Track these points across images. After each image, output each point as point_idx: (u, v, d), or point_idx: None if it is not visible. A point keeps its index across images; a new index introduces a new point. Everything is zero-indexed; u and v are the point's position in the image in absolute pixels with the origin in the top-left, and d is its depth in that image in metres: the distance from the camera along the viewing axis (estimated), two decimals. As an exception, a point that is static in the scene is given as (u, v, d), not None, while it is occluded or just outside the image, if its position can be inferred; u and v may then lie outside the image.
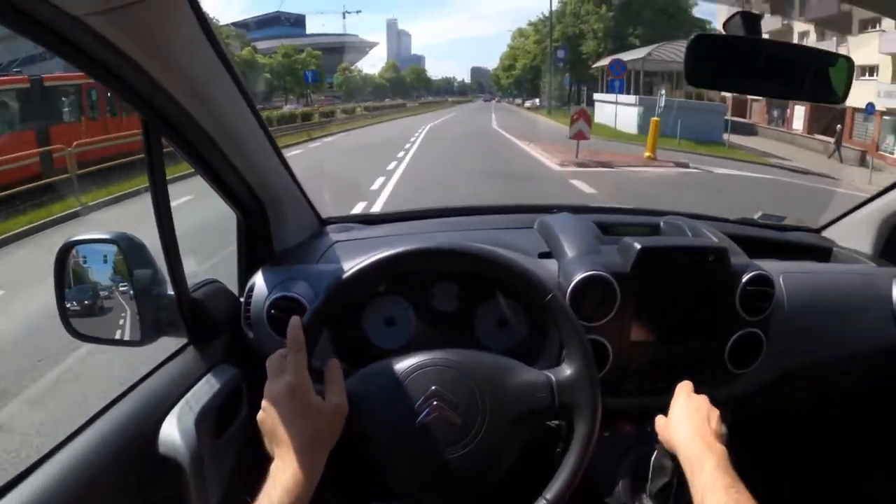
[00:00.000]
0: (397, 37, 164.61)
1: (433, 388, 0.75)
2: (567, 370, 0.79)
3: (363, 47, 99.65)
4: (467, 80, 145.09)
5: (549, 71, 40.69)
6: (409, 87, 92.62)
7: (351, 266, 0.81)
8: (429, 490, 0.77)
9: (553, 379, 0.79)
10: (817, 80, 0.94)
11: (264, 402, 0.72)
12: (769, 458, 1.35)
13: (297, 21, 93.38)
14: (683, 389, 0.90)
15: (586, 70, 37.89)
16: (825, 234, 1.56)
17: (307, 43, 64.99)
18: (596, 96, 28.10)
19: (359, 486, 0.79)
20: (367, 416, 0.75)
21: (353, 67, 68.37)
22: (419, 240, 0.87)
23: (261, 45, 57.27)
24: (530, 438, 0.79)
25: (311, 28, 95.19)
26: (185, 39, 0.73)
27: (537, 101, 48.52)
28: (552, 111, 36.17)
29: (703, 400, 0.86)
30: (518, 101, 62.21)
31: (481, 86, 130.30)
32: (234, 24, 71.46)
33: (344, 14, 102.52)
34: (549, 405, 0.78)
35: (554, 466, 0.78)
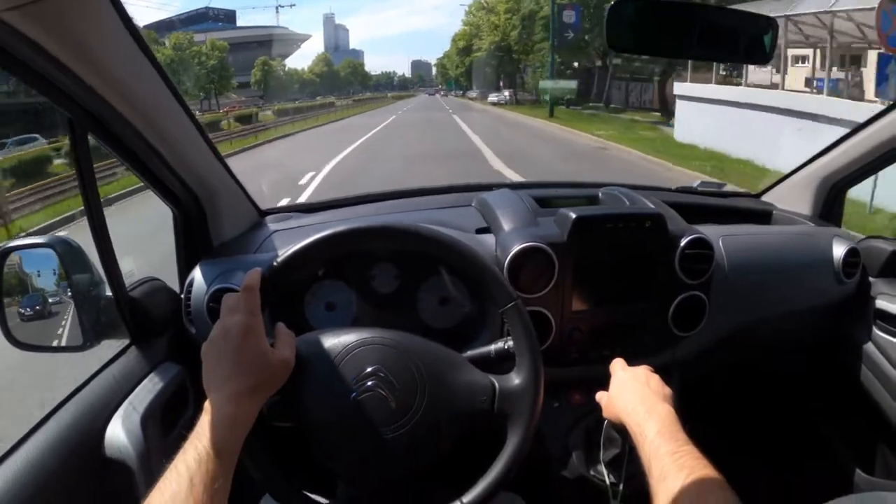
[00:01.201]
0: (334, 31, 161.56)
1: (374, 366, 0.75)
2: (515, 380, 0.79)
3: (294, 41, 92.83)
4: (408, 74, 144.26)
5: (551, 46, 26.53)
6: (343, 82, 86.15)
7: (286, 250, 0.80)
8: (354, 466, 0.76)
9: (497, 386, 0.78)
10: (752, 45, 0.96)
11: (213, 334, 0.68)
12: (718, 418, 1.39)
13: (228, 17, 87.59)
14: (617, 364, 0.90)
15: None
16: (765, 198, 1.60)
17: (229, 37, 59.23)
18: (682, 88, 14.93)
19: (294, 459, 0.78)
20: (308, 379, 0.74)
21: (272, 62, 58.90)
22: (363, 221, 0.86)
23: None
24: (467, 433, 0.78)
25: (242, 24, 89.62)
26: (106, 33, 0.72)
27: (506, 94, 39.24)
28: (554, 111, 24.24)
29: (639, 368, 0.87)
30: (473, 94, 53.33)
31: (422, 79, 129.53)
32: (159, 21, 67.22)
33: (277, 8, 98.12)
34: (488, 410, 0.77)
35: (485, 464, 0.78)
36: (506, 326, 0.83)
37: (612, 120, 21.27)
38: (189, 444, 0.60)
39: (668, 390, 0.81)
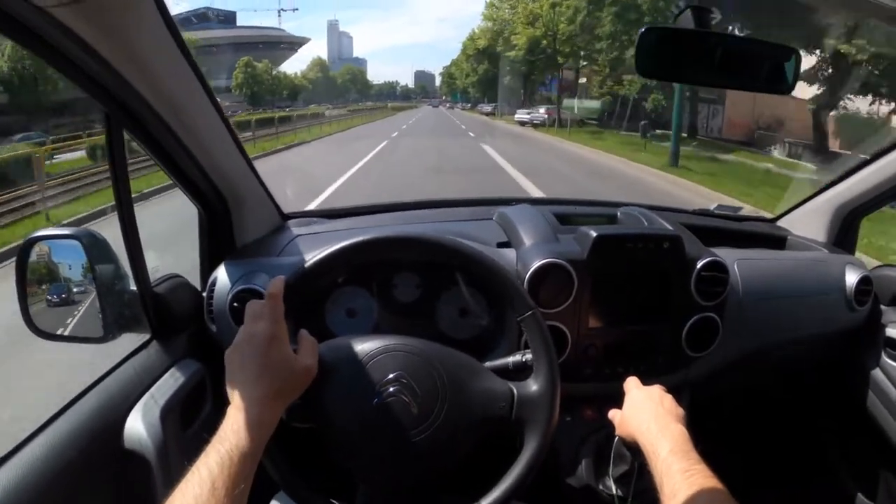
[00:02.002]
0: (338, 39, 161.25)
1: (397, 372, 0.77)
2: (532, 386, 0.81)
3: (292, 44, 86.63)
4: (411, 84, 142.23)
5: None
6: (340, 89, 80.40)
7: (312, 255, 0.82)
8: (377, 471, 0.78)
9: (515, 392, 0.80)
10: (773, 73, 0.97)
11: (238, 340, 0.70)
12: (728, 437, 1.40)
13: (228, 18, 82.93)
14: (632, 383, 0.91)
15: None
16: (780, 223, 1.61)
17: (226, 37, 56.48)
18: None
19: (312, 462, 0.80)
20: (330, 386, 0.76)
21: (256, 63, 52.07)
22: (387, 230, 0.88)
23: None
24: (485, 439, 0.80)
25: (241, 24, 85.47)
26: (149, 33, 0.74)
27: (541, 111, 28.16)
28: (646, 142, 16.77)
29: (653, 388, 0.88)
30: (486, 108, 45.12)
31: (425, 90, 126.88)
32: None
33: (279, 11, 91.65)
34: (507, 416, 0.79)
35: (502, 469, 0.80)
36: (523, 339, 0.84)
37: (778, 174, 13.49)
38: (211, 448, 0.61)
39: (680, 410, 0.82)
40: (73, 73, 0.73)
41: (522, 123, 28.73)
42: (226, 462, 0.60)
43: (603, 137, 20.60)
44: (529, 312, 0.83)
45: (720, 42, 0.92)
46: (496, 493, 0.77)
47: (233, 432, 0.63)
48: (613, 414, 0.90)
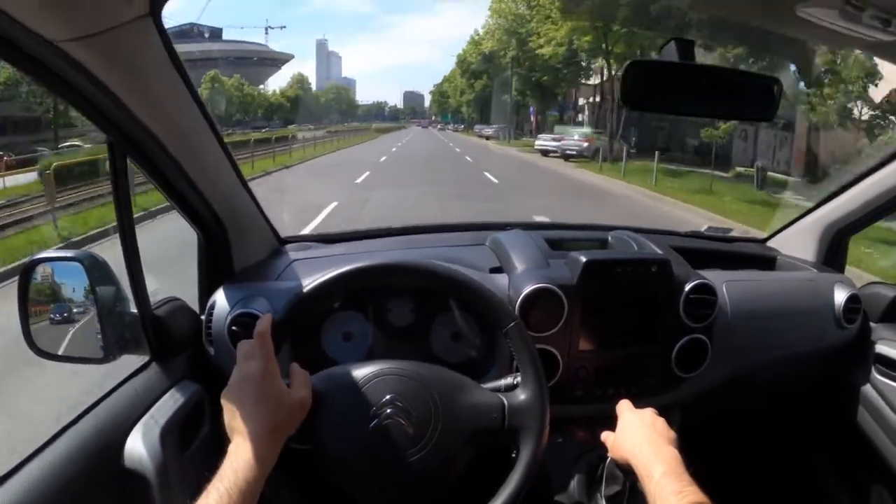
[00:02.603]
0: (327, 58, 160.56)
1: (389, 395, 0.79)
2: (521, 395, 0.83)
3: (275, 60, 78.83)
4: (400, 105, 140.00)
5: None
6: (324, 108, 75.17)
7: (310, 281, 0.85)
8: (376, 493, 0.80)
9: (506, 402, 0.82)
10: (760, 101, 1.00)
11: (232, 381, 0.73)
12: (720, 459, 1.41)
13: (214, 34, 76.90)
14: (624, 405, 0.92)
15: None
16: (770, 243, 1.64)
17: (205, 52, 52.67)
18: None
19: (313, 491, 0.82)
20: (326, 414, 0.78)
21: (224, 78, 45.31)
22: (381, 257, 0.91)
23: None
24: (479, 453, 0.82)
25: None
26: (154, 65, 0.77)
27: (575, 136, 20.05)
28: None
29: (646, 411, 0.89)
30: (487, 130, 35.18)
31: (414, 111, 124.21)
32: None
33: (266, 29, 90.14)
34: (500, 426, 0.81)
35: (499, 482, 0.82)
36: (514, 363, 0.87)
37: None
38: (212, 487, 0.63)
39: (672, 433, 0.84)
40: (80, 104, 0.76)
41: (545, 153, 20.50)
42: (224, 500, 0.61)
43: (701, 188, 12.67)
44: (513, 323, 0.85)
45: (704, 73, 0.95)
46: (498, 500, 0.79)
47: (232, 471, 0.65)
48: (606, 436, 0.91)
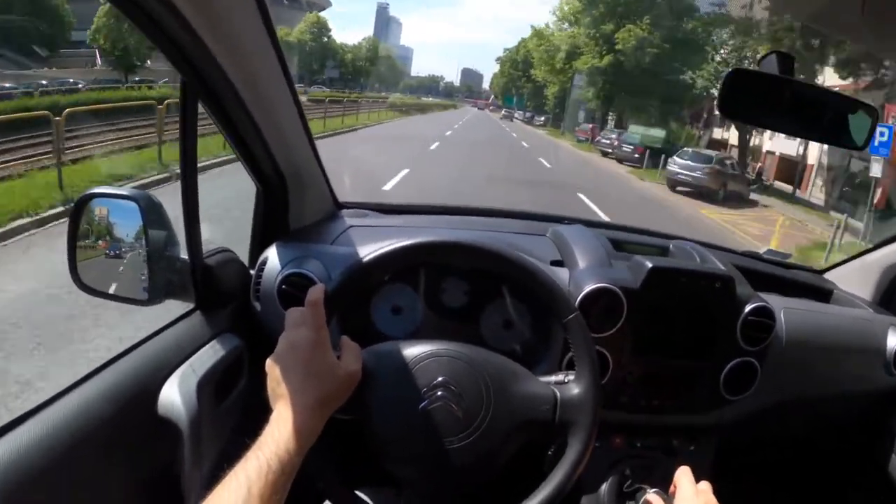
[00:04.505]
0: (387, 23, 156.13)
1: (442, 377, 0.77)
2: (574, 389, 0.81)
3: (304, 3, 65.01)
4: (457, 82, 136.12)
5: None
6: (357, 73, 57.05)
7: (370, 251, 0.82)
8: (421, 475, 0.78)
9: (559, 395, 0.80)
10: (834, 124, 0.95)
11: (280, 348, 0.70)
12: (757, 486, 1.38)
13: None
14: (684, 477, 0.81)
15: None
16: (827, 276, 1.59)
17: None
18: None
19: (354, 464, 0.80)
20: (375, 391, 0.76)
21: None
22: (444, 234, 0.88)
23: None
24: (528, 443, 0.80)
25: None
26: (239, 4, 0.74)
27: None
28: None
29: (704, 486, 0.80)
30: (610, 137, 22.18)
31: (471, 90, 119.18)
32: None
33: None
34: (550, 419, 0.79)
35: (545, 474, 0.80)
36: (565, 359, 0.84)
37: None
38: (252, 454, 0.61)
39: None
40: (156, 36, 0.73)
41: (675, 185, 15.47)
42: (264, 470, 0.59)
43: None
44: (574, 314, 0.83)
45: (804, 91, 0.91)
46: (540, 496, 0.77)
47: (273, 440, 0.62)
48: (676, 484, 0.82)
